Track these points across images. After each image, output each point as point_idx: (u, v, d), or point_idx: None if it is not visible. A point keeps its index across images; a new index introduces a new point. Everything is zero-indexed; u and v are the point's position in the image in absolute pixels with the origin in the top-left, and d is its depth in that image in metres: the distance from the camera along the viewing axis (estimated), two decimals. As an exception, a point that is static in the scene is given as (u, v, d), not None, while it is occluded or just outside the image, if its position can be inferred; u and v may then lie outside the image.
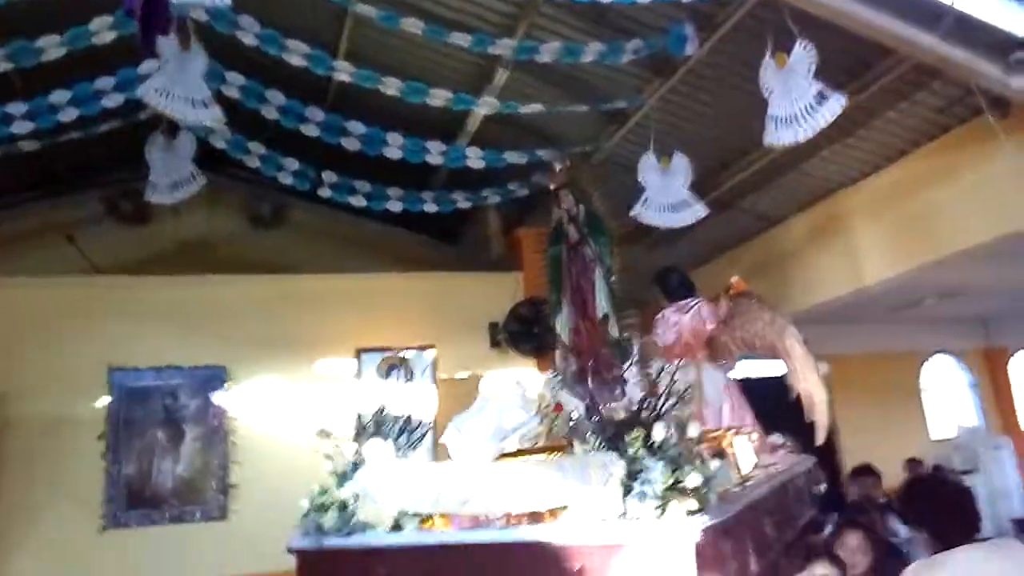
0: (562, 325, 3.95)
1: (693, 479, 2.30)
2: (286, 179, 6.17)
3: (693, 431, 2.50)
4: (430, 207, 6.33)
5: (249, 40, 4.96)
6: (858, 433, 10.14)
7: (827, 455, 10.21)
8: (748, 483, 3.08)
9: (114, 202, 7.83)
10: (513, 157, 6.05)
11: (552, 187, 4.08)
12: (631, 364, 3.40)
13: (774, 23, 4.42)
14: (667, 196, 5.62)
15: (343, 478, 2.76)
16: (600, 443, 2.46)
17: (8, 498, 5.52)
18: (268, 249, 8.24)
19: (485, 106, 5.41)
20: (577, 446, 2.55)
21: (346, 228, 8.41)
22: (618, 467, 2.32)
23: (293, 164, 6.12)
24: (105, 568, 5.52)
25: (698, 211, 5.63)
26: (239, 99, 5.52)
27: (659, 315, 4.79)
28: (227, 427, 5.95)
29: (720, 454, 2.87)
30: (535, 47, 4.80)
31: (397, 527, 2.62)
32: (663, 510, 2.25)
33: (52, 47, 4.62)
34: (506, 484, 2.44)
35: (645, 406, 2.48)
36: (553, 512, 2.36)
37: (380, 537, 2.59)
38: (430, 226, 8.53)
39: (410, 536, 2.56)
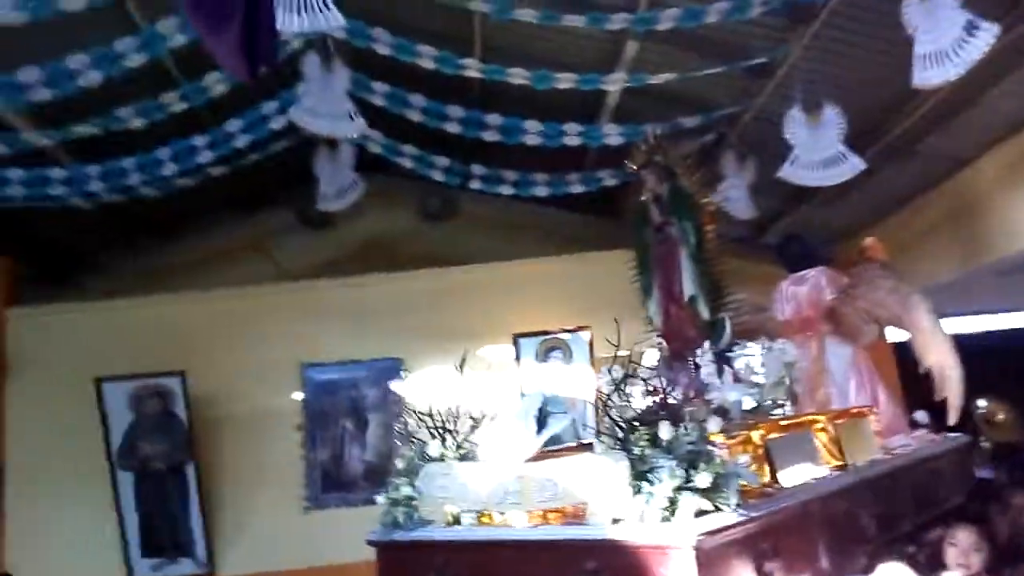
0: (653, 309, 3.86)
1: (703, 479, 2.22)
2: (438, 176, 6.50)
3: (713, 426, 2.42)
4: (576, 188, 6.37)
5: (383, 50, 5.27)
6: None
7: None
8: (839, 472, 2.89)
9: (303, 211, 8.62)
10: (652, 129, 5.91)
11: (634, 168, 3.96)
12: (710, 348, 3.24)
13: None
14: (818, 152, 5.26)
15: (409, 475, 2.93)
16: (612, 442, 2.43)
17: (222, 485, 6.38)
18: (440, 241, 8.63)
19: (611, 83, 5.34)
20: (596, 445, 2.53)
21: (515, 215, 8.62)
22: (622, 467, 2.29)
23: (443, 161, 6.43)
24: (310, 543, 6.18)
25: (855, 165, 5.21)
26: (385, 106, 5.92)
27: (776, 288, 4.49)
28: (406, 413, 6.38)
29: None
30: (653, 16, 4.67)
31: (457, 522, 2.76)
32: (672, 511, 2.19)
33: (216, 83, 5.18)
34: (534, 485, 2.52)
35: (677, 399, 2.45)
36: (576, 511, 2.40)
37: (434, 532, 2.78)
38: (603, 206, 8.57)
39: (454, 532, 2.72)
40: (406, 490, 2.98)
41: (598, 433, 2.63)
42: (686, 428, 2.36)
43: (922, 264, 7.60)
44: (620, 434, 2.41)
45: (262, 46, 3.10)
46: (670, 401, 2.48)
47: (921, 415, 4.02)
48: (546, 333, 6.39)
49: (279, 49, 4.57)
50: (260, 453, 6.41)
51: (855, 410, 3.49)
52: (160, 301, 6.93)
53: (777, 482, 2.69)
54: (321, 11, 3.83)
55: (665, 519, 2.20)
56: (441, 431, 3.02)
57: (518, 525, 2.54)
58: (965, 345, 9.73)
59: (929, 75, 3.95)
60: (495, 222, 8.73)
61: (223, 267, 7.60)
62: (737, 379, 3.20)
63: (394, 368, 6.58)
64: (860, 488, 2.91)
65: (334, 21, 3.94)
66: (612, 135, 5.85)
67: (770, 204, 7.53)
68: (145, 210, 6.73)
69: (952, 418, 3.67)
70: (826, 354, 4.13)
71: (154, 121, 5.21)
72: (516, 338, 6.45)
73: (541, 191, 6.45)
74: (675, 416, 2.41)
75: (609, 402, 2.55)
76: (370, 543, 3.05)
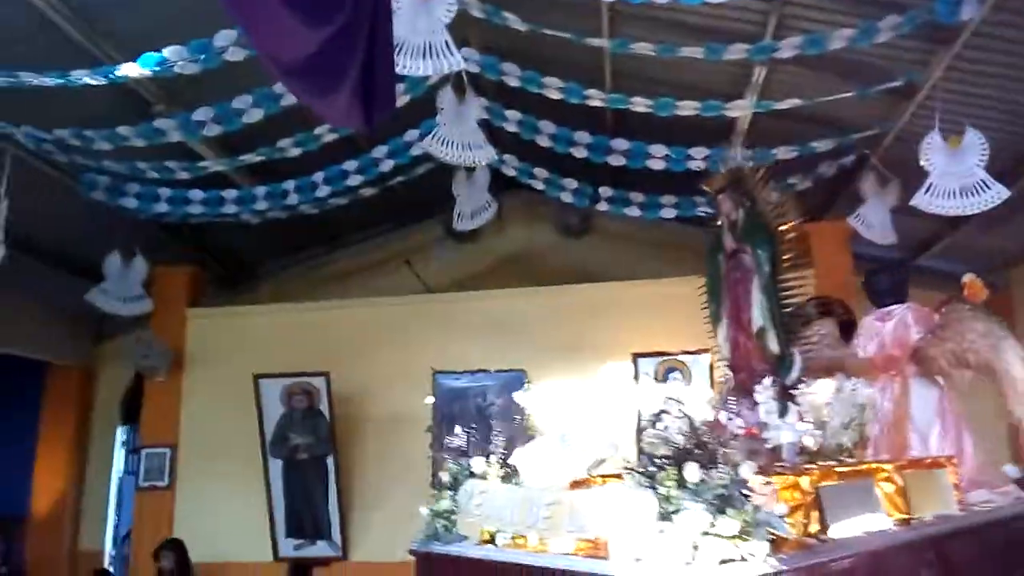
0: (722, 338, 3.74)
1: (728, 526, 2.15)
2: (567, 197, 6.73)
3: (746, 472, 2.31)
4: (703, 209, 6.36)
5: (513, 82, 5.57)
6: None
7: None
8: (900, 527, 2.71)
9: (449, 226, 9.14)
10: (783, 152, 5.86)
11: (712, 191, 3.81)
12: (772, 383, 3.13)
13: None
14: (957, 179, 5.00)
15: (452, 489, 3.05)
16: (642, 477, 2.38)
17: (358, 479, 6.96)
18: (577, 256, 8.83)
19: (735, 109, 5.33)
20: (627, 479, 2.48)
21: (648, 232, 8.69)
22: (648, 505, 2.26)
23: (572, 183, 6.65)
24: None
25: (998, 193, 4.90)
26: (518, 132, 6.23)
27: (861, 323, 4.26)
28: (527, 423, 6.65)
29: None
30: (771, 46, 4.65)
31: (491, 541, 2.83)
32: (693, 556, 2.15)
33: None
34: (565, 512, 2.56)
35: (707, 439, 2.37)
36: (601, 544, 2.40)
37: (467, 548, 2.86)
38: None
39: (484, 550, 2.78)
40: (446, 503, 3.07)
41: (629, 468, 2.61)
42: (719, 469, 2.30)
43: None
44: (650, 470, 2.39)
45: (380, 95, 3.40)
46: (705, 439, 2.43)
47: (1011, 469, 3.68)
48: (666, 354, 6.43)
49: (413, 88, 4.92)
50: (393, 451, 6.91)
51: (930, 460, 3.27)
52: (312, 307, 7.65)
53: (825, 532, 2.56)
54: (444, 56, 4.17)
55: (687, 563, 2.16)
56: (484, 447, 3.13)
57: (551, 551, 2.58)
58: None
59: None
60: (632, 238, 8.82)
61: (375, 277, 8.29)
62: (802, 418, 3.06)
63: (518, 379, 6.87)
64: (922, 545, 2.70)
65: (457, 64, 4.28)
66: (740, 159, 5.79)
67: (926, 226, 7.14)
68: (309, 224, 7.46)
69: None
70: (910, 397, 3.90)
71: (309, 150, 5.80)
72: (635, 357, 6.54)
73: (668, 213, 6.52)
74: (708, 456, 2.36)
75: (644, 435, 2.52)
76: (412, 552, 3.18)
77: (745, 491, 2.29)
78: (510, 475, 3.01)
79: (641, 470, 2.44)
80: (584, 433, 3.28)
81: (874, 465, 2.99)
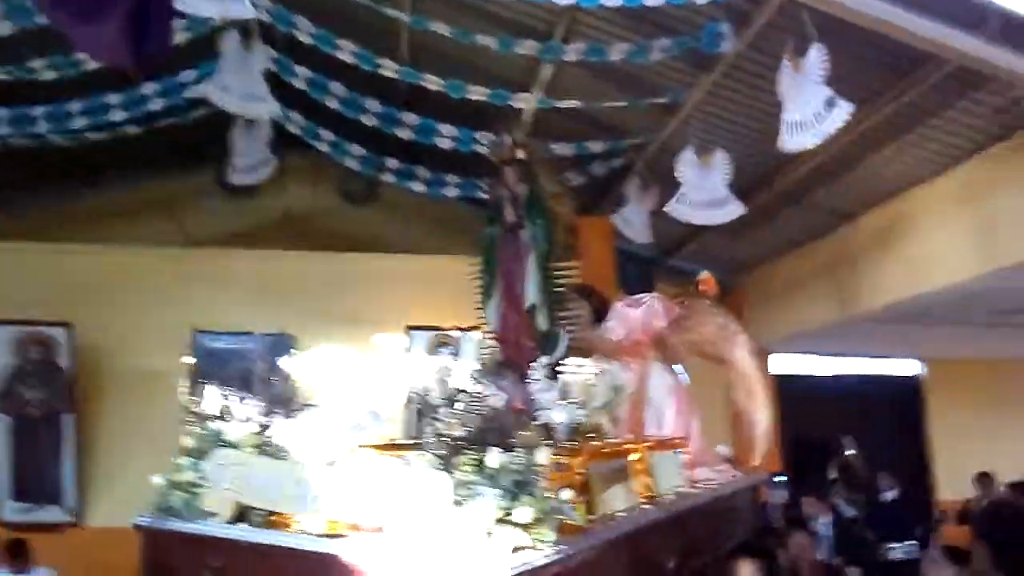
0: (492, 312, 3.73)
1: (523, 514, 2.11)
2: (353, 164, 6.65)
3: (542, 457, 2.30)
4: (484, 188, 6.57)
5: (305, 38, 5.40)
6: (954, 443, 9.63)
7: (918, 464, 9.82)
8: (649, 504, 2.89)
9: (221, 176, 8.63)
10: (562, 149, 6.21)
11: (499, 161, 3.80)
12: (545, 360, 3.14)
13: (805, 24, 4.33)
14: (705, 192, 5.61)
15: (198, 456, 2.69)
16: (436, 459, 2.29)
17: (100, 439, 6.45)
18: (359, 224, 8.73)
19: (522, 102, 5.58)
20: (414, 457, 2.36)
21: (432, 207, 8.80)
22: (443, 490, 2.17)
23: (359, 150, 6.58)
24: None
25: (735, 209, 5.57)
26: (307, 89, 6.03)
27: (612, 308, 4.44)
28: (289, 391, 6.53)
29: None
30: (559, 47, 4.92)
31: (242, 519, 2.53)
32: (488, 542, 2.09)
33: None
34: (337, 491, 2.36)
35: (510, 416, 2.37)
36: (379, 528, 2.25)
37: (216, 528, 2.53)
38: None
39: (238, 530, 2.48)
40: (190, 474, 2.68)
41: (417, 443, 2.47)
42: (516, 453, 2.26)
43: (805, 306, 8.12)
44: (445, 452, 2.30)
45: (154, 30, 3.14)
46: (503, 421, 2.39)
47: (723, 449, 4.22)
48: (439, 329, 6.60)
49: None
50: (143, 412, 6.45)
51: (671, 440, 3.57)
52: (57, 249, 6.90)
53: (594, 514, 2.59)
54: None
55: (479, 551, 2.10)
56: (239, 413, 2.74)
57: (314, 532, 2.33)
58: (831, 384, 10.29)
59: (792, 140, 4.30)
60: (415, 212, 8.88)
61: (130, 223, 7.60)
62: (564, 397, 3.02)
63: (286, 344, 6.72)
64: (668, 522, 2.92)
65: (245, 11, 4.08)
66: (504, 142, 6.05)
67: (677, 230, 7.89)
68: (60, 156, 6.69)
69: (756, 459, 3.93)
70: (649, 380, 4.13)
71: (66, 75, 5.23)
72: (409, 329, 6.66)
73: (451, 192, 6.67)
74: (505, 440, 2.31)
75: (436, 411, 2.42)
76: (137, 528, 2.75)
77: (537, 476, 2.26)
78: (268, 446, 2.68)
79: (436, 451, 2.33)
80: (351, 402, 3.06)
81: (631, 446, 3.11)
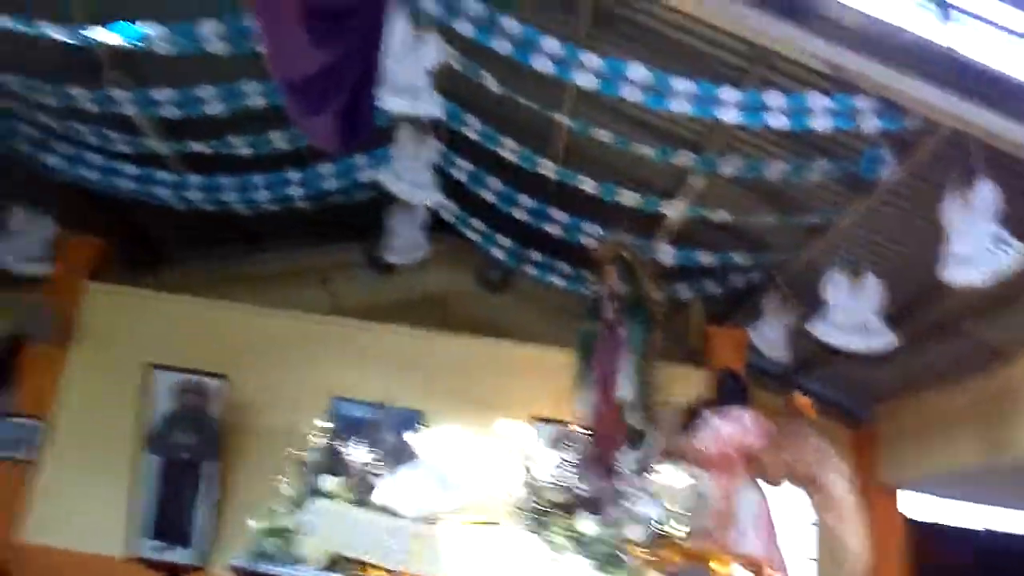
0: (584, 403, 3.87)
1: None
2: (498, 254, 6.95)
3: (635, 533, 2.35)
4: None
5: (472, 135, 5.79)
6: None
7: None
8: None
9: (370, 253, 9.17)
10: (706, 258, 6.28)
11: (599, 261, 4.04)
12: (634, 457, 3.23)
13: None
14: (853, 316, 5.49)
15: (297, 505, 2.80)
16: (531, 525, 2.32)
17: (238, 490, 6.77)
18: (493, 310, 9.00)
19: (672, 209, 5.72)
20: (509, 522, 2.41)
21: (563, 298, 8.97)
22: (533, 551, 2.19)
23: (505, 241, 6.88)
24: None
25: (888, 340, 5.42)
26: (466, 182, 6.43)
27: (702, 416, 4.47)
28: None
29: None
30: (715, 161, 5.06)
31: (332, 567, 2.61)
32: None
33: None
34: (436, 549, 2.38)
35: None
36: None
37: (300, 571, 2.61)
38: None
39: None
40: (286, 521, 2.81)
41: (516, 508, 2.54)
42: (607, 527, 2.31)
43: (946, 446, 7.64)
44: (539, 515, 2.36)
45: (360, 123, 3.53)
46: (600, 491, 2.50)
47: None
48: (563, 423, 6.63)
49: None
50: (278, 466, 6.75)
51: (760, 559, 3.52)
52: (218, 306, 7.47)
53: None
54: (422, 99, 4.34)
55: None
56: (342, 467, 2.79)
57: None
58: (973, 537, 9.51)
59: (956, 274, 4.20)
60: (549, 304, 9.08)
61: (286, 288, 8.19)
62: (652, 497, 3.08)
63: (413, 419, 6.93)
64: None
65: (432, 108, 4.47)
66: (664, 254, 6.19)
67: (811, 351, 7.71)
68: (229, 221, 7.35)
69: None
70: (737, 496, 4.08)
71: (260, 153, 5.80)
72: (533, 420, 6.72)
73: (589, 290, 6.80)
74: (596, 510, 2.36)
75: (533, 477, 2.48)
76: (233, 569, 2.88)
77: (626, 554, 2.30)
78: (365, 501, 2.79)
79: (531, 513, 2.38)
80: (468, 476, 3.17)
81: (721, 555, 3.16)
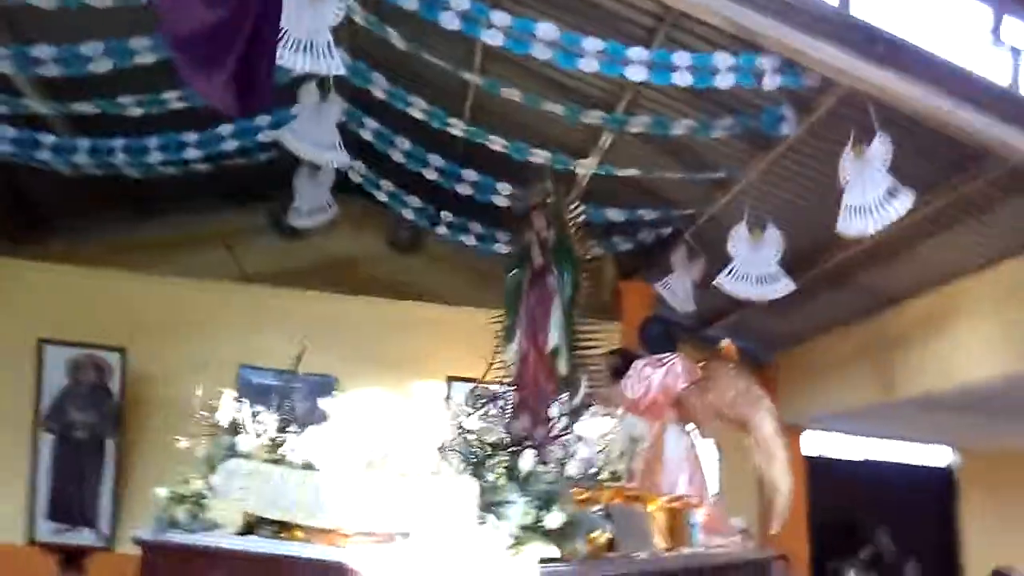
0: (512, 353, 3.82)
1: (554, 519, 2.10)
2: (409, 214, 6.84)
3: (572, 469, 2.37)
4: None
5: (379, 93, 5.63)
6: (986, 534, 9.44)
7: (947, 553, 9.63)
8: (662, 555, 2.93)
9: (276, 216, 8.87)
10: (615, 215, 6.35)
11: (528, 205, 3.90)
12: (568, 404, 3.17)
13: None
14: (755, 268, 5.70)
15: (210, 468, 2.64)
16: (466, 467, 2.28)
17: (139, 466, 6.52)
18: (404, 272, 8.90)
19: (581, 167, 5.74)
20: (444, 467, 2.33)
21: (481, 261, 8.93)
22: (471, 494, 2.13)
23: (416, 202, 6.78)
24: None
25: (786, 285, 5.65)
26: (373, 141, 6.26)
27: (634, 365, 4.53)
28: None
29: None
30: (625, 119, 5.09)
31: (250, 531, 2.45)
32: (517, 551, 2.06)
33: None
34: (357, 499, 2.27)
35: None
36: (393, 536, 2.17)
37: (222, 539, 2.45)
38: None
39: (242, 542, 2.40)
40: (197, 485, 2.64)
41: (444, 451, 2.41)
42: (546, 464, 2.29)
43: (842, 387, 8.11)
44: (475, 457, 2.27)
45: (258, 85, 3.35)
46: (535, 432, 2.50)
47: (738, 521, 4.20)
48: (478, 381, 6.66)
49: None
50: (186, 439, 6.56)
51: (690, 499, 3.65)
52: (114, 276, 7.08)
53: (614, 549, 2.63)
54: (324, 56, 4.17)
55: (506, 559, 2.06)
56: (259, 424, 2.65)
57: (322, 544, 2.24)
58: (861, 469, 10.16)
59: (851, 225, 4.39)
60: (460, 264, 9.05)
61: (186, 255, 7.82)
62: (583, 440, 3.05)
63: (328, 385, 6.82)
64: (681, 574, 3.04)
65: (335, 67, 4.30)
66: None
67: (718, 302, 7.96)
68: (121, 184, 6.92)
69: (775, 527, 3.93)
70: (665, 441, 4.17)
71: (151, 113, 5.48)
72: (450, 380, 6.74)
73: (503, 248, 6.79)
74: (538, 449, 2.33)
75: (465, 423, 2.39)
76: (137, 542, 2.70)
77: (568, 488, 2.28)
78: (280, 460, 2.62)
79: (465, 455, 2.29)
80: (388, 431, 2.95)
81: (651, 495, 3.28)
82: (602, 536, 2.53)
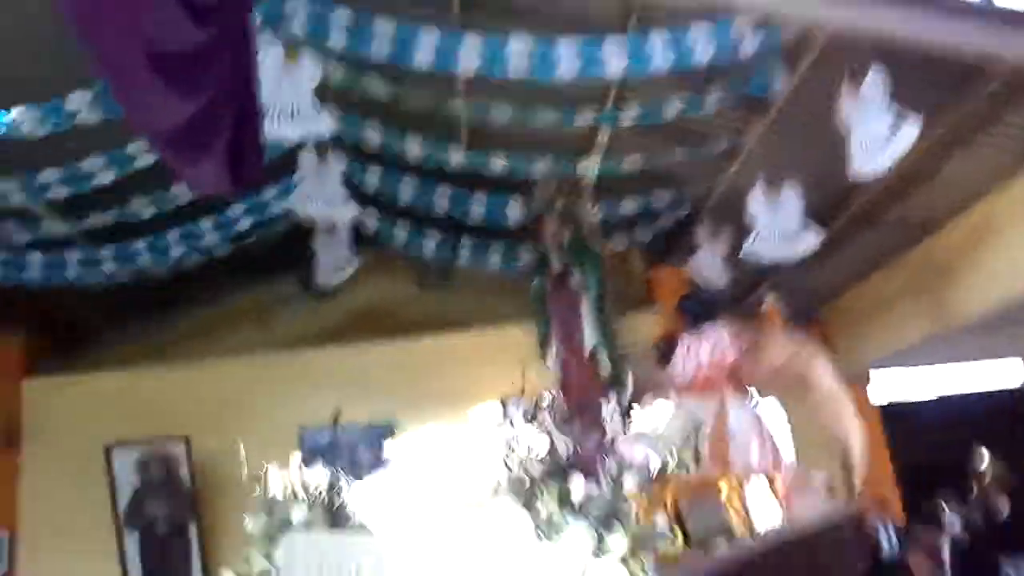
0: (552, 361, 3.76)
1: (617, 543, 2.06)
2: (429, 252, 6.92)
3: (630, 484, 2.26)
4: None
5: (375, 140, 5.72)
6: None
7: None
8: (747, 538, 2.83)
9: (304, 281, 9.01)
10: (629, 207, 6.34)
11: (536, 213, 3.86)
12: (615, 403, 3.07)
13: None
14: (780, 226, 5.63)
15: (270, 542, 2.55)
16: (516, 499, 2.22)
17: (224, 546, 6.63)
18: (437, 307, 8.95)
19: (584, 167, 5.76)
20: (491, 502, 2.27)
21: (506, 279, 8.96)
22: (525, 528, 2.08)
23: (434, 237, 6.85)
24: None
25: (813, 236, 5.57)
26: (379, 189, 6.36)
27: (677, 346, 4.38)
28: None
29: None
30: (616, 114, 5.10)
31: None
32: None
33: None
34: (418, 559, 2.22)
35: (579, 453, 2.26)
36: None
37: None
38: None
39: None
40: (260, 564, 2.55)
41: (501, 487, 2.35)
42: (599, 485, 2.22)
43: (898, 325, 7.93)
44: (528, 489, 2.20)
45: (248, 159, 3.42)
46: (590, 446, 2.40)
47: (821, 476, 4.04)
48: (535, 394, 6.67)
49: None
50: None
51: (759, 473, 3.50)
52: (162, 371, 7.31)
53: (690, 547, 2.57)
54: (311, 119, 4.26)
55: None
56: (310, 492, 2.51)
57: None
58: (935, 407, 9.83)
59: (865, 166, 4.32)
60: (491, 286, 9.07)
61: (224, 336, 8.01)
62: (640, 437, 2.98)
63: (388, 431, 6.89)
64: (767, 555, 2.90)
65: (325, 126, 4.39)
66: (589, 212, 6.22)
67: (750, 271, 7.87)
68: (150, 284, 7.13)
69: (857, 485, 3.79)
70: (728, 415, 3.99)
71: (164, 211, 5.64)
72: (503, 401, 6.74)
73: (526, 266, 6.82)
74: (587, 469, 2.26)
75: (512, 452, 2.31)
76: None
77: (627, 505, 2.20)
78: (337, 522, 2.57)
79: (519, 489, 2.24)
80: (443, 469, 2.95)
81: (719, 479, 3.10)
82: (672, 544, 2.47)
